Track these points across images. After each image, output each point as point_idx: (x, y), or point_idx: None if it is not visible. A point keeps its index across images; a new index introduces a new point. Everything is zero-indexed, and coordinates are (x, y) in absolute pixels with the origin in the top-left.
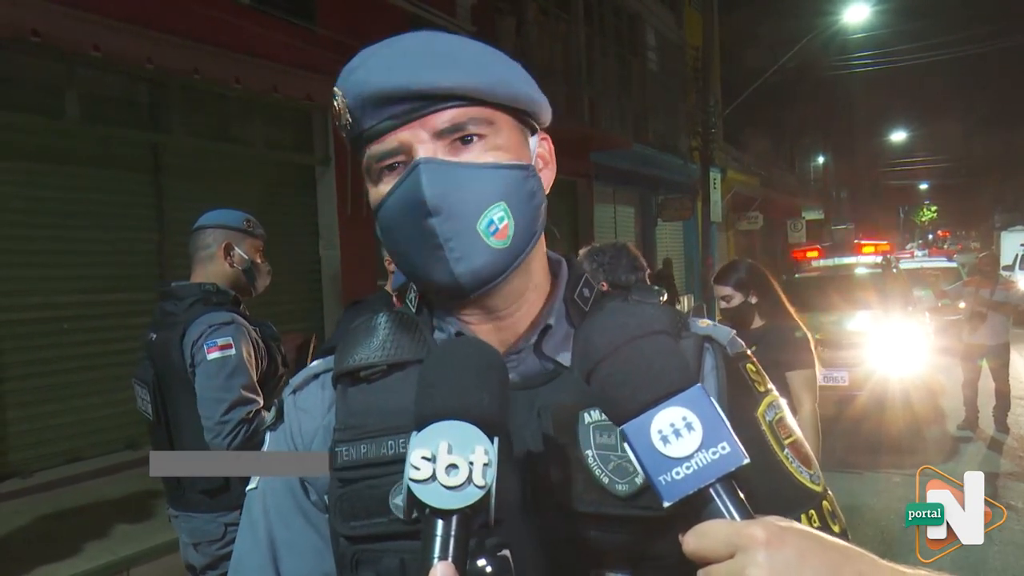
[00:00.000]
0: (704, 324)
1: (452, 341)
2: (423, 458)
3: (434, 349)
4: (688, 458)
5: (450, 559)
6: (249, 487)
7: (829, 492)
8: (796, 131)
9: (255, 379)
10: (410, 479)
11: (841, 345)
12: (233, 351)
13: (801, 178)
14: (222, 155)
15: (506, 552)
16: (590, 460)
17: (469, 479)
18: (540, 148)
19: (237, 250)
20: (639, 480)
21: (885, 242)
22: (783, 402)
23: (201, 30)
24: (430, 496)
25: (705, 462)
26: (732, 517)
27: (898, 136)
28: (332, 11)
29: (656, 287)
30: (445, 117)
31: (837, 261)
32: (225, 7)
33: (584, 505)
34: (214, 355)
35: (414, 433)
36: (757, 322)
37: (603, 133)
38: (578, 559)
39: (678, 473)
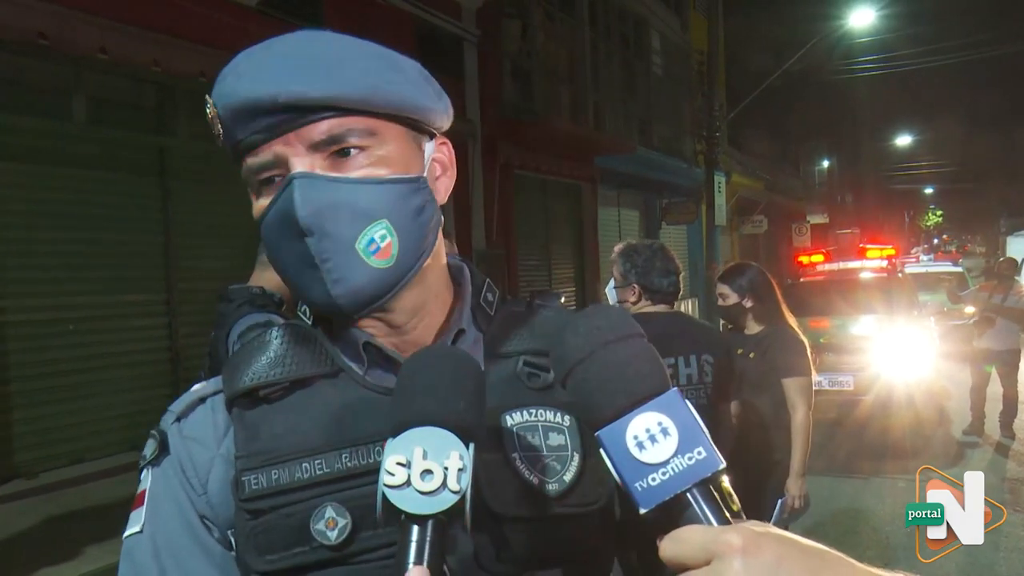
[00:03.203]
0: None
1: (428, 348)
2: (398, 464)
3: (410, 356)
4: (664, 464)
5: (425, 564)
6: (129, 532)
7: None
8: (801, 135)
9: None
10: (384, 485)
11: (846, 349)
12: None
13: (806, 182)
14: (228, 158)
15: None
16: (518, 463)
17: (444, 484)
18: (437, 154)
19: None
20: (568, 478)
21: (891, 247)
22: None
23: (208, 33)
24: (405, 501)
25: (681, 467)
26: (709, 522)
27: (903, 140)
28: (338, 15)
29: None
30: (321, 128)
31: (842, 265)
32: (231, 10)
33: (516, 508)
34: None
35: (389, 439)
36: (755, 327)
37: (608, 137)
38: (511, 562)
39: (654, 479)
